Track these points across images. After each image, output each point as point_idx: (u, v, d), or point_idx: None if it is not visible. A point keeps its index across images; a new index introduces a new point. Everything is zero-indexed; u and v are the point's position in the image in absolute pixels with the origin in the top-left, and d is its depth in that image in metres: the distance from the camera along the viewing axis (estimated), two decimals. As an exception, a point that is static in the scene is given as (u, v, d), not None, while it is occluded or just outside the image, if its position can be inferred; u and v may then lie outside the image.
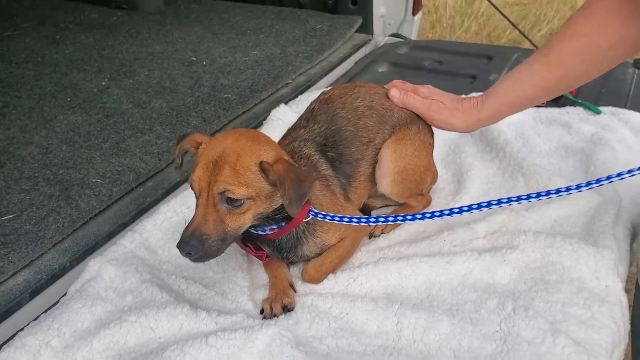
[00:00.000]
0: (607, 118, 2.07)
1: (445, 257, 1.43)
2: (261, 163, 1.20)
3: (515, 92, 1.44)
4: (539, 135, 2.00)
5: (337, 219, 1.32)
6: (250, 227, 1.31)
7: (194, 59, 2.62)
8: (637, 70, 2.44)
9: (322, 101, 1.57)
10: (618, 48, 1.32)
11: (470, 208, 1.23)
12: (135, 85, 2.40)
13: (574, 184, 1.68)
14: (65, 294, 1.42)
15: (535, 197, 1.27)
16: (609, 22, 1.30)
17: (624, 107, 2.16)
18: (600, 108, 2.12)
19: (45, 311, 1.38)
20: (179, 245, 1.19)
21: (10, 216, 1.66)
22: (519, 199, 1.27)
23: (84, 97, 2.33)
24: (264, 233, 1.34)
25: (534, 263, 1.43)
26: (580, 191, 1.20)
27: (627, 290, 1.43)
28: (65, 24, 3.09)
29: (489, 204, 1.27)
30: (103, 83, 2.43)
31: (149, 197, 1.77)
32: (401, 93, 1.53)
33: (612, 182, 1.19)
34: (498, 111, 1.48)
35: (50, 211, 1.67)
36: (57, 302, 1.42)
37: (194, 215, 1.21)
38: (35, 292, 1.46)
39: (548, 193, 1.24)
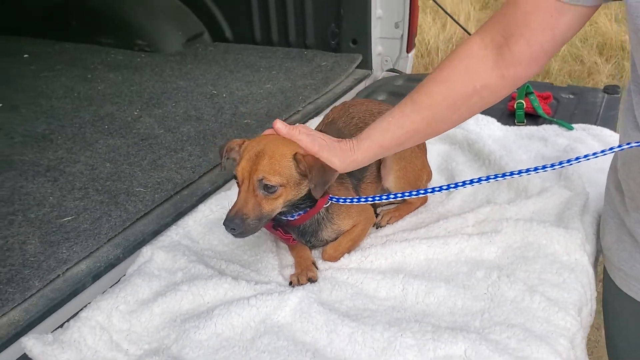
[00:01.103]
0: (579, 133, 2.39)
1: (441, 240, 1.71)
2: (295, 154, 1.50)
3: (386, 135, 1.47)
4: (519, 148, 2.30)
5: (356, 200, 1.61)
6: (280, 214, 1.60)
7: (215, 92, 2.96)
8: (606, 95, 2.77)
9: (327, 124, 1.89)
10: (481, 94, 1.40)
11: (464, 183, 1.50)
12: (164, 115, 2.72)
13: (549, 184, 2.00)
14: (123, 275, 1.70)
15: (519, 173, 1.48)
16: (474, 68, 1.38)
17: (594, 124, 2.49)
18: (573, 125, 2.44)
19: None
20: (224, 223, 1.47)
21: (69, 218, 1.94)
22: (504, 175, 1.48)
23: (120, 124, 2.64)
24: (292, 218, 1.63)
25: (515, 244, 1.71)
26: (545, 171, 1.46)
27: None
28: (95, 65, 3.43)
29: (488, 178, 1.49)
30: (135, 113, 2.76)
31: (185, 203, 2.05)
32: (286, 126, 1.53)
33: (555, 167, 1.42)
34: (372, 153, 1.51)
35: (102, 214, 1.95)
36: (116, 283, 1.69)
37: (236, 200, 1.50)
38: (96, 277, 1.73)
39: (527, 170, 1.48)
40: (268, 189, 1.49)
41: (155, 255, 1.70)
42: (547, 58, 1.39)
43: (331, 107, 2.83)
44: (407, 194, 1.62)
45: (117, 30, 3.71)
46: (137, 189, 2.09)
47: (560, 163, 1.48)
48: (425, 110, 1.45)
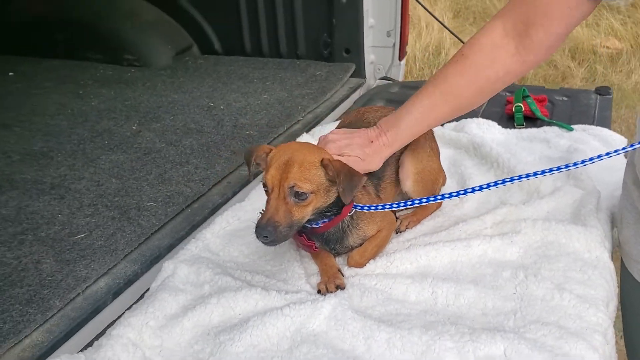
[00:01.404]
0: (579, 134, 2.44)
1: (463, 242, 1.72)
2: (322, 160, 1.50)
3: (419, 125, 1.62)
4: (523, 150, 2.34)
5: (381, 207, 1.62)
6: (306, 222, 1.59)
7: (212, 104, 2.93)
8: (599, 96, 2.84)
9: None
10: (504, 79, 1.51)
11: (488, 185, 1.54)
12: (164, 128, 2.69)
13: (560, 184, 2.03)
14: (146, 291, 1.67)
15: (531, 176, 1.56)
16: (497, 56, 1.47)
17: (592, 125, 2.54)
18: (572, 126, 2.49)
19: (130, 306, 1.62)
20: (256, 231, 1.46)
21: (82, 235, 1.90)
22: (521, 176, 1.55)
23: (120, 140, 2.60)
24: (316, 226, 1.62)
25: (536, 243, 1.73)
26: (560, 171, 1.51)
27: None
28: (85, 81, 3.38)
29: (512, 179, 1.57)
30: (134, 128, 2.72)
31: (197, 216, 2.03)
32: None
33: (578, 167, 1.49)
34: (405, 142, 1.66)
35: (116, 229, 1.92)
36: (138, 299, 1.66)
37: (267, 208, 1.49)
38: (116, 294, 1.69)
39: (535, 174, 1.55)
40: (299, 196, 1.48)
41: (178, 269, 1.67)
42: (558, 45, 1.48)
43: (330, 115, 2.88)
44: (432, 198, 1.65)
45: (105, 45, 3.66)
46: (148, 204, 2.06)
47: (583, 162, 1.53)
48: (454, 100, 1.55)
